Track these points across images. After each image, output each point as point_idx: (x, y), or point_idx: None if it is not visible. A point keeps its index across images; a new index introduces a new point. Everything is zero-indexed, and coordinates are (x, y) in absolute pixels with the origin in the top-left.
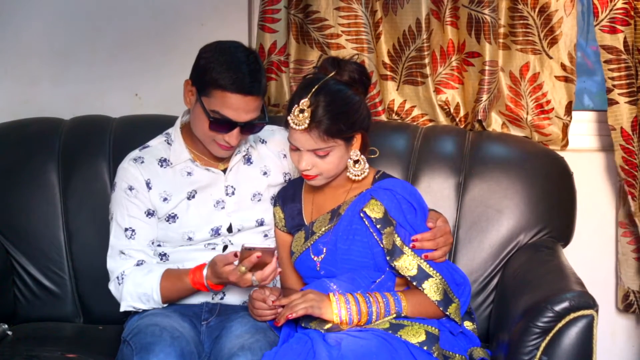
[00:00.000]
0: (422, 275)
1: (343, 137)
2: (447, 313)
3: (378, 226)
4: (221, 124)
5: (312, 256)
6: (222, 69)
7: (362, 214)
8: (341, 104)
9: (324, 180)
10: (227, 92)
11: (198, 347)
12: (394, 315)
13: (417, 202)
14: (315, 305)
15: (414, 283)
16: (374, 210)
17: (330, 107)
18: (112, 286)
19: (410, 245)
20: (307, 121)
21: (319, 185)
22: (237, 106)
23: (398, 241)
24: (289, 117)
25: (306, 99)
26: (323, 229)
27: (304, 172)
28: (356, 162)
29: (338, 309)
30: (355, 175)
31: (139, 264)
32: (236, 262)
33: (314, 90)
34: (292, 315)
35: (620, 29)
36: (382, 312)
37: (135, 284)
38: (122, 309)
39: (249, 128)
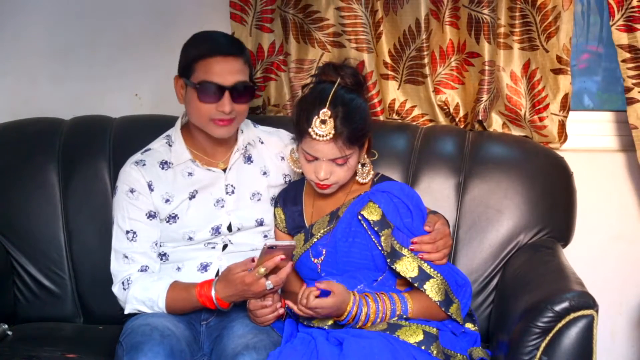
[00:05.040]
0: (423, 276)
1: (360, 143)
2: (449, 313)
3: (376, 228)
4: (209, 91)
5: (312, 258)
6: (197, 43)
7: (359, 217)
8: (358, 111)
9: (336, 188)
10: (207, 58)
11: (192, 346)
12: (397, 318)
13: (414, 204)
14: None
15: (416, 284)
16: (372, 213)
17: (350, 115)
18: (116, 289)
19: (409, 247)
20: (333, 131)
21: (330, 193)
22: (220, 69)
23: (396, 244)
24: (310, 130)
25: (325, 109)
26: (322, 232)
27: (322, 182)
28: (363, 165)
29: (350, 310)
30: (363, 178)
31: (143, 269)
32: (251, 269)
33: (330, 99)
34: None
35: (636, 27)
36: (387, 315)
37: (142, 289)
38: (126, 312)
39: (239, 94)
